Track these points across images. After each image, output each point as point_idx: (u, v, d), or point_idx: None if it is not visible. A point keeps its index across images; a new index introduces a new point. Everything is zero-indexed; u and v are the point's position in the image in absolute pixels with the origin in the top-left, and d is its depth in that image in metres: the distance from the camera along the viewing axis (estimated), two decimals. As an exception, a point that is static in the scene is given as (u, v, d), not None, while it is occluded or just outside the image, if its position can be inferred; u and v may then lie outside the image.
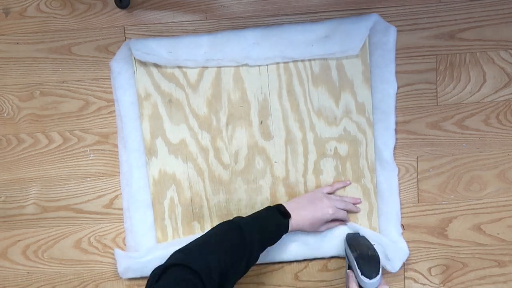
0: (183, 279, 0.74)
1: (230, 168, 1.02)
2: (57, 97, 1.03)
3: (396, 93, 1.01)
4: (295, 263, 1.05)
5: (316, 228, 0.97)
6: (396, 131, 1.03)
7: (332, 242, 1.02)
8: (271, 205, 0.96)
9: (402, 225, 1.04)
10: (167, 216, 1.03)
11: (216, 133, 1.01)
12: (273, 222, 0.91)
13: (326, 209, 0.96)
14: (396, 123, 1.03)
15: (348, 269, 0.93)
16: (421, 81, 1.02)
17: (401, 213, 1.04)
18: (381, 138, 1.01)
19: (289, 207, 0.94)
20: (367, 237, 0.98)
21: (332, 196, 1.00)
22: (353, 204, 1.02)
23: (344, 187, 1.02)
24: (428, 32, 1.01)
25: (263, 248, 0.89)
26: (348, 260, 0.94)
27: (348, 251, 0.93)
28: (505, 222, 1.05)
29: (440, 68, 1.02)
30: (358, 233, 1.00)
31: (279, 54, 0.97)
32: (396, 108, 1.01)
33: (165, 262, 0.78)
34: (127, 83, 1.00)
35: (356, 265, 0.88)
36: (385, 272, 1.04)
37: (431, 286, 1.06)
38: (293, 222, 0.93)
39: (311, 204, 0.96)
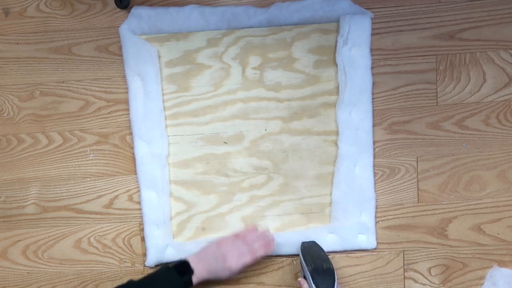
0: None
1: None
2: (57, 97, 1.04)
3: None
4: (295, 263, 1.05)
5: (232, 275, 0.96)
6: (396, 131, 1.03)
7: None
8: (173, 263, 0.95)
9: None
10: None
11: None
12: (166, 284, 0.91)
13: (229, 263, 0.95)
14: (396, 123, 1.03)
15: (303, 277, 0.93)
16: (421, 81, 1.02)
17: (401, 213, 1.04)
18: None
19: (194, 261, 0.94)
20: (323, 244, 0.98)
21: (236, 244, 0.97)
22: (264, 242, 0.99)
23: (249, 232, 1.00)
24: (428, 32, 1.01)
25: None
26: (303, 271, 0.94)
27: (303, 263, 0.93)
28: (505, 222, 1.05)
29: (440, 68, 1.02)
30: (314, 242, 0.99)
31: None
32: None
33: None
34: None
35: (311, 279, 0.88)
36: (383, 272, 1.05)
37: (431, 286, 1.06)
38: (199, 276, 0.93)
39: (214, 260, 0.95)
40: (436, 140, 1.03)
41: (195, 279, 0.93)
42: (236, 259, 0.95)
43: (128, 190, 1.05)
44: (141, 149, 1.02)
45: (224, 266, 0.95)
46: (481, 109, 1.03)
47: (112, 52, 1.02)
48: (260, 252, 0.98)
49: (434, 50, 1.02)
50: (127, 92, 1.02)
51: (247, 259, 0.96)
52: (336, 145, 1.02)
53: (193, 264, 0.94)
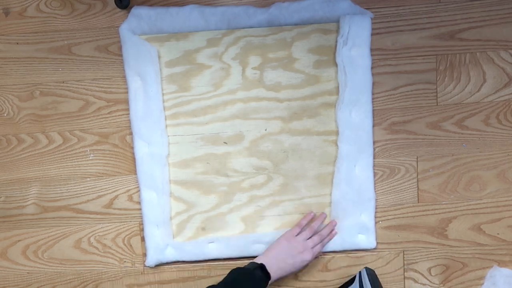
0: None
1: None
2: (57, 97, 1.04)
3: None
4: (295, 263, 1.05)
5: (305, 266, 1.01)
6: (396, 131, 1.03)
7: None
8: (248, 265, 0.95)
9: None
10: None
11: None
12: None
13: (304, 256, 0.97)
14: (396, 123, 1.03)
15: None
16: (421, 81, 1.02)
17: (401, 213, 1.05)
18: None
19: (268, 263, 0.94)
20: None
21: (304, 234, 0.99)
22: (328, 228, 1.02)
23: (311, 220, 1.03)
24: (428, 32, 1.01)
25: None
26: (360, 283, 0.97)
27: (367, 282, 0.96)
28: (505, 222, 1.05)
29: (440, 68, 1.02)
30: (374, 271, 1.00)
31: None
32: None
33: None
34: None
35: None
36: (383, 272, 1.05)
37: (431, 286, 1.06)
38: (273, 278, 0.94)
39: (289, 256, 0.97)
40: (436, 140, 1.03)
41: (270, 281, 0.94)
42: (310, 250, 0.98)
43: (128, 190, 1.05)
44: (141, 149, 1.02)
45: (301, 259, 0.97)
46: (481, 109, 1.03)
47: (112, 52, 1.02)
48: (328, 238, 1.02)
49: (434, 50, 1.02)
50: (127, 92, 1.02)
51: (318, 247, 1.00)
52: (336, 145, 1.02)
53: (268, 268, 0.94)
